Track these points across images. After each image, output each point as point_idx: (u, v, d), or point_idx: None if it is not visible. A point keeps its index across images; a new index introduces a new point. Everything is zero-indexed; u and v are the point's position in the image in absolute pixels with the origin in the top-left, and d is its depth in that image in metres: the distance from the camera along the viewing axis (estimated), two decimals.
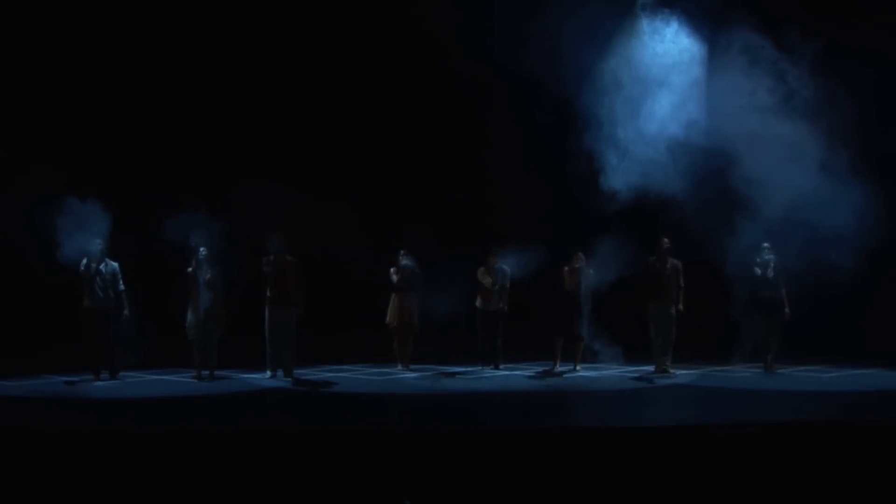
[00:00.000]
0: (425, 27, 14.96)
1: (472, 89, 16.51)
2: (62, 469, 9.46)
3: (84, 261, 14.15)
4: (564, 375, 14.79)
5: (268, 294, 14.41)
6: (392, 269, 15.17)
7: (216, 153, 16.49)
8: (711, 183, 14.52)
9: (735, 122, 14.26)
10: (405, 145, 17.03)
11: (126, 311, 14.31)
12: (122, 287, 14.35)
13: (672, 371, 14.76)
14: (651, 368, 14.94)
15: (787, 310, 14.66)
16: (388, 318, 15.23)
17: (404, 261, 15.12)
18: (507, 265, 15.18)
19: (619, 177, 14.57)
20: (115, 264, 14.40)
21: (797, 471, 9.46)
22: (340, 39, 16.52)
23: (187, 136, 16.50)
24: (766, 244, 14.64)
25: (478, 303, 15.23)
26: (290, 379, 14.36)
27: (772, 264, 14.62)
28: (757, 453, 9.77)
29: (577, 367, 15.16)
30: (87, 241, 14.07)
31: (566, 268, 15.00)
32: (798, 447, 9.92)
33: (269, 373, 14.46)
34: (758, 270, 14.62)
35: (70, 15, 15.82)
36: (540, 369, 15.18)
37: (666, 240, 14.76)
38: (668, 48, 14.83)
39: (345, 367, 15.55)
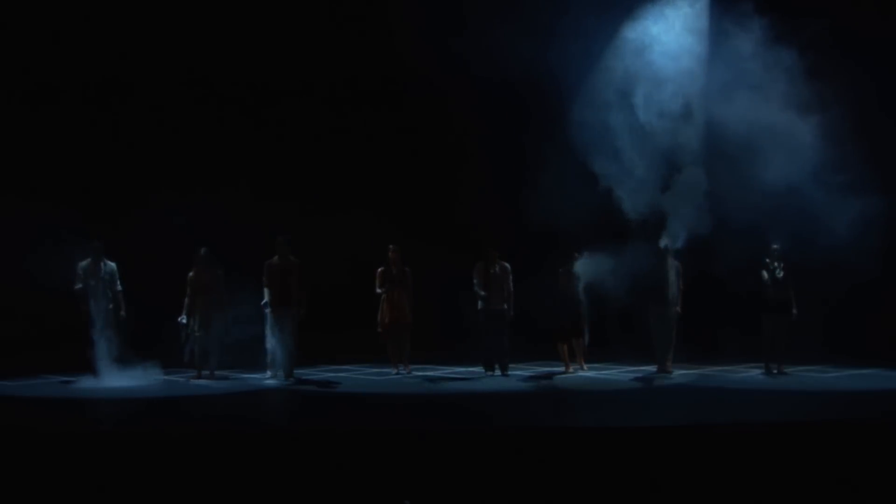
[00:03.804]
0: (417, 33, 14.95)
1: (463, 92, 16.38)
2: (62, 469, 9.45)
3: (82, 264, 14.19)
4: (561, 376, 14.79)
5: (270, 294, 14.41)
6: (379, 270, 14.94)
7: (209, 154, 16.47)
8: (713, 180, 14.50)
9: (736, 113, 14.21)
10: (402, 149, 17.00)
11: (122, 312, 14.32)
12: (119, 287, 14.36)
13: (672, 371, 14.76)
14: (652, 368, 14.94)
15: (794, 310, 14.63)
16: (378, 318, 14.98)
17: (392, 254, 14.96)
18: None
19: (625, 190, 14.54)
20: (113, 264, 14.43)
21: (797, 471, 9.45)
22: (323, 47, 16.52)
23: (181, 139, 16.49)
24: (775, 245, 14.60)
25: (479, 304, 14.94)
26: (290, 379, 14.36)
27: (780, 265, 14.60)
28: (757, 453, 9.76)
29: (584, 366, 15.17)
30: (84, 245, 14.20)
31: (560, 270, 15.02)
32: (798, 447, 9.91)
33: (269, 373, 14.46)
34: (765, 274, 14.58)
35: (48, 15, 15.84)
36: (541, 370, 15.18)
37: (666, 240, 14.73)
38: (668, 35, 14.72)
39: (345, 367, 15.54)
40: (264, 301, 14.39)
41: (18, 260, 15.11)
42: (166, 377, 14.43)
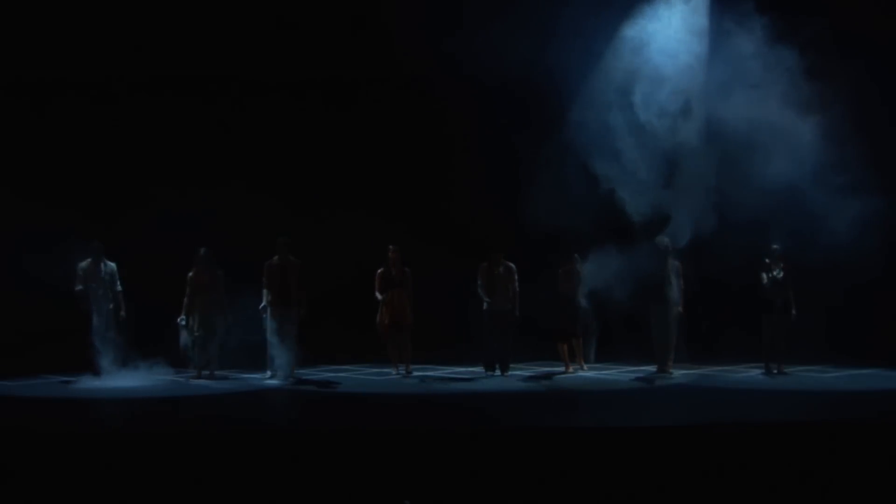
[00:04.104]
0: (419, 33, 14.90)
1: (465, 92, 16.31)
2: (62, 469, 9.45)
3: (82, 265, 14.22)
4: (561, 376, 14.78)
5: (270, 294, 14.41)
6: (379, 272, 14.85)
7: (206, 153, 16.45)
8: (713, 178, 14.49)
9: (736, 112, 14.19)
10: (403, 151, 16.96)
11: (122, 312, 14.34)
12: (119, 288, 14.39)
13: (672, 371, 14.75)
14: (652, 369, 14.93)
15: (793, 311, 14.60)
16: (377, 320, 14.90)
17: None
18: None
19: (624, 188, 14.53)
20: (113, 265, 14.47)
21: (797, 471, 9.45)
22: (322, 49, 16.50)
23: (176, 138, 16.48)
24: (774, 245, 14.58)
25: (484, 304, 14.80)
26: (290, 379, 14.35)
27: (780, 265, 14.56)
28: (757, 453, 9.77)
29: (584, 366, 15.15)
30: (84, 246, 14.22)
31: (561, 270, 15.01)
32: (798, 447, 9.91)
33: (269, 373, 14.46)
34: (764, 276, 14.53)
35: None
36: (541, 370, 15.18)
37: (665, 240, 14.71)
38: (668, 34, 14.68)
39: (345, 367, 15.53)
40: (262, 305, 14.39)
41: (18, 260, 15.11)
42: (167, 377, 14.40)
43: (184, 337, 14.49)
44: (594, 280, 14.52)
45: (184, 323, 14.48)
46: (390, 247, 14.86)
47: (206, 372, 14.51)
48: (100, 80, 16.24)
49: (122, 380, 13.98)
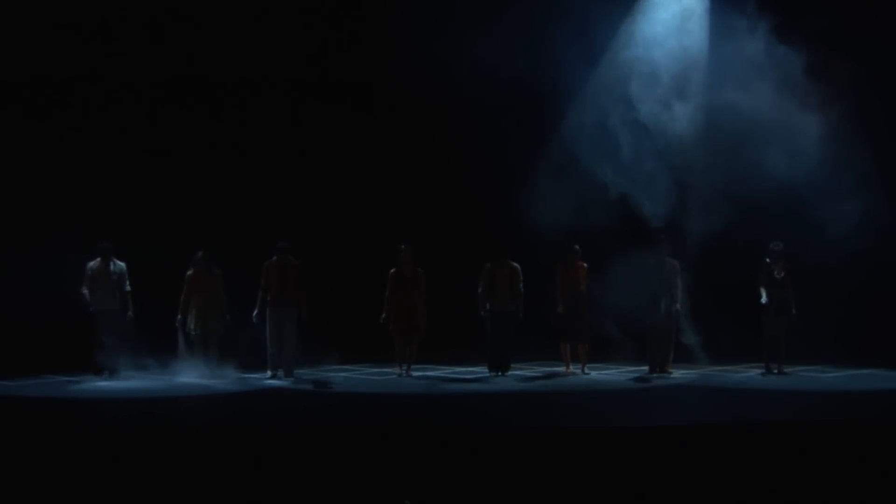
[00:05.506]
0: (424, 37, 14.90)
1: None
2: (62, 469, 9.46)
3: (91, 264, 14.24)
4: (562, 376, 14.79)
5: (269, 294, 14.41)
6: (391, 272, 14.71)
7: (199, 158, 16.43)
8: (712, 177, 14.51)
9: (738, 111, 14.20)
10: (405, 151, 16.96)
11: (130, 312, 14.35)
12: (128, 288, 14.40)
13: (671, 371, 14.74)
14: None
15: (793, 310, 14.58)
16: (392, 320, 14.73)
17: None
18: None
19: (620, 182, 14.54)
20: (122, 264, 14.49)
21: (797, 471, 9.46)
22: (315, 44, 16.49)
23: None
24: (774, 245, 14.54)
25: (486, 304, 14.65)
26: (290, 379, 14.36)
27: (780, 265, 14.54)
28: (757, 453, 9.77)
29: (585, 369, 15.07)
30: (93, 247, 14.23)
31: (560, 266, 14.92)
32: (798, 447, 9.91)
33: (269, 373, 14.46)
34: (763, 277, 14.50)
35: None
36: (542, 370, 15.18)
37: (663, 238, 14.69)
38: (669, 34, 14.69)
39: (345, 367, 15.52)
40: (255, 312, 14.37)
41: (21, 259, 15.13)
42: (171, 377, 14.41)
43: (181, 337, 14.48)
44: (612, 298, 14.41)
45: (182, 322, 14.46)
46: (402, 246, 14.63)
47: (206, 372, 14.50)
48: (95, 83, 16.22)
49: (125, 379, 13.99)
